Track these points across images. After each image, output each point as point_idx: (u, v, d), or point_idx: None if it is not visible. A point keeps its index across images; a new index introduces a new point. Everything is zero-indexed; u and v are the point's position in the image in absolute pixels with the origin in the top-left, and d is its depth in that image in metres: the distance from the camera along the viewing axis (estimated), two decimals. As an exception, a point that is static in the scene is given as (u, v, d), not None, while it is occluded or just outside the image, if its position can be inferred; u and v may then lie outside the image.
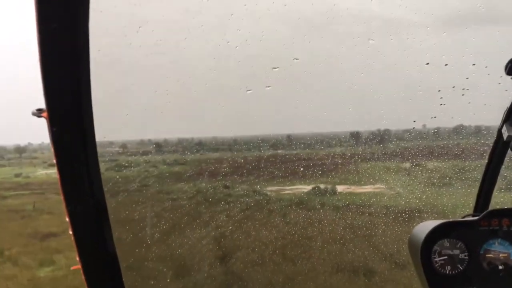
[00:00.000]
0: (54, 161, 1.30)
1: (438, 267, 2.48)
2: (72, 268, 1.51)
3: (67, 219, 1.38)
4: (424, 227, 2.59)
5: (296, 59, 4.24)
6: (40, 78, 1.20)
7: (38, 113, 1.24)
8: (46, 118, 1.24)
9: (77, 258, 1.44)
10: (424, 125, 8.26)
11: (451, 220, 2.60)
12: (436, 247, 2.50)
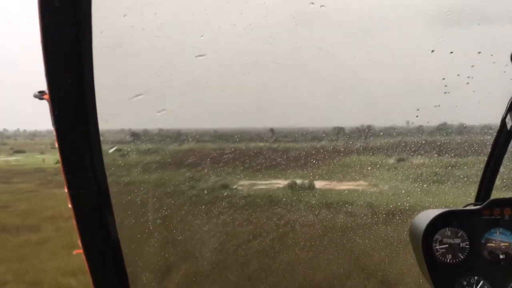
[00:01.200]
0: (56, 144, 1.29)
1: (439, 256, 2.48)
2: (74, 252, 1.50)
3: (69, 204, 1.36)
4: (426, 216, 2.59)
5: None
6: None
7: (40, 95, 1.22)
8: (48, 101, 1.22)
9: (79, 243, 1.43)
10: (407, 122, 7.94)
11: (452, 208, 2.60)
12: (437, 236, 2.50)
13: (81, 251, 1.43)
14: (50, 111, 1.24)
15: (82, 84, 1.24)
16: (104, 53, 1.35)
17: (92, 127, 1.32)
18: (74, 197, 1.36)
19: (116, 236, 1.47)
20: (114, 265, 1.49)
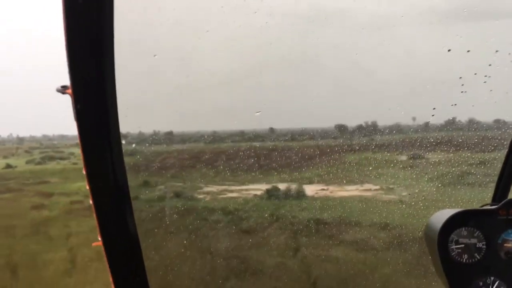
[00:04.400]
0: (78, 138, 1.31)
1: (455, 256, 2.45)
2: (93, 244, 1.53)
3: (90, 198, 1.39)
4: (442, 216, 2.56)
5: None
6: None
7: (63, 89, 1.24)
8: (70, 95, 1.25)
9: (99, 236, 1.46)
10: (414, 118, 7.35)
11: (469, 208, 2.57)
12: (453, 236, 2.47)
13: (100, 243, 1.46)
14: (72, 106, 1.27)
15: (104, 79, 1.26)
16: (124, 48, 1.37)
17: (113, 121, 1.34)
18: (94, 190, 1.38)
19: (134, 228, 1.50)
20: (132, 257, 1.51)
